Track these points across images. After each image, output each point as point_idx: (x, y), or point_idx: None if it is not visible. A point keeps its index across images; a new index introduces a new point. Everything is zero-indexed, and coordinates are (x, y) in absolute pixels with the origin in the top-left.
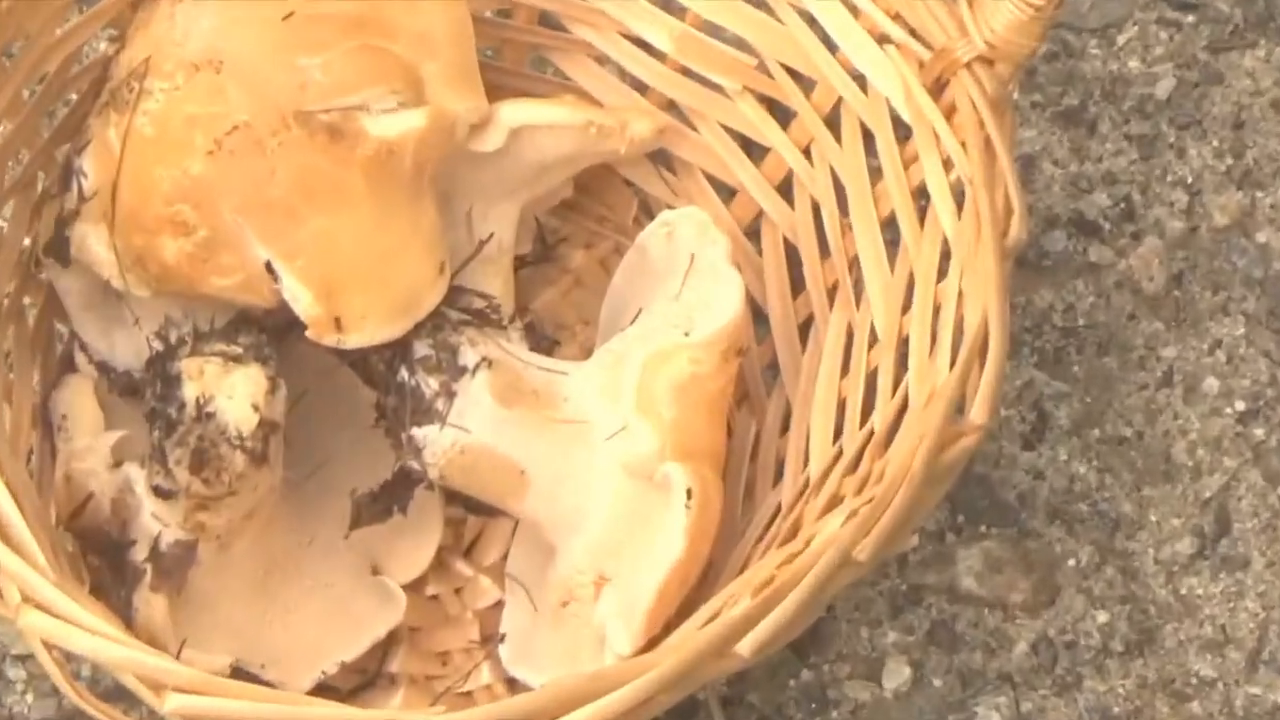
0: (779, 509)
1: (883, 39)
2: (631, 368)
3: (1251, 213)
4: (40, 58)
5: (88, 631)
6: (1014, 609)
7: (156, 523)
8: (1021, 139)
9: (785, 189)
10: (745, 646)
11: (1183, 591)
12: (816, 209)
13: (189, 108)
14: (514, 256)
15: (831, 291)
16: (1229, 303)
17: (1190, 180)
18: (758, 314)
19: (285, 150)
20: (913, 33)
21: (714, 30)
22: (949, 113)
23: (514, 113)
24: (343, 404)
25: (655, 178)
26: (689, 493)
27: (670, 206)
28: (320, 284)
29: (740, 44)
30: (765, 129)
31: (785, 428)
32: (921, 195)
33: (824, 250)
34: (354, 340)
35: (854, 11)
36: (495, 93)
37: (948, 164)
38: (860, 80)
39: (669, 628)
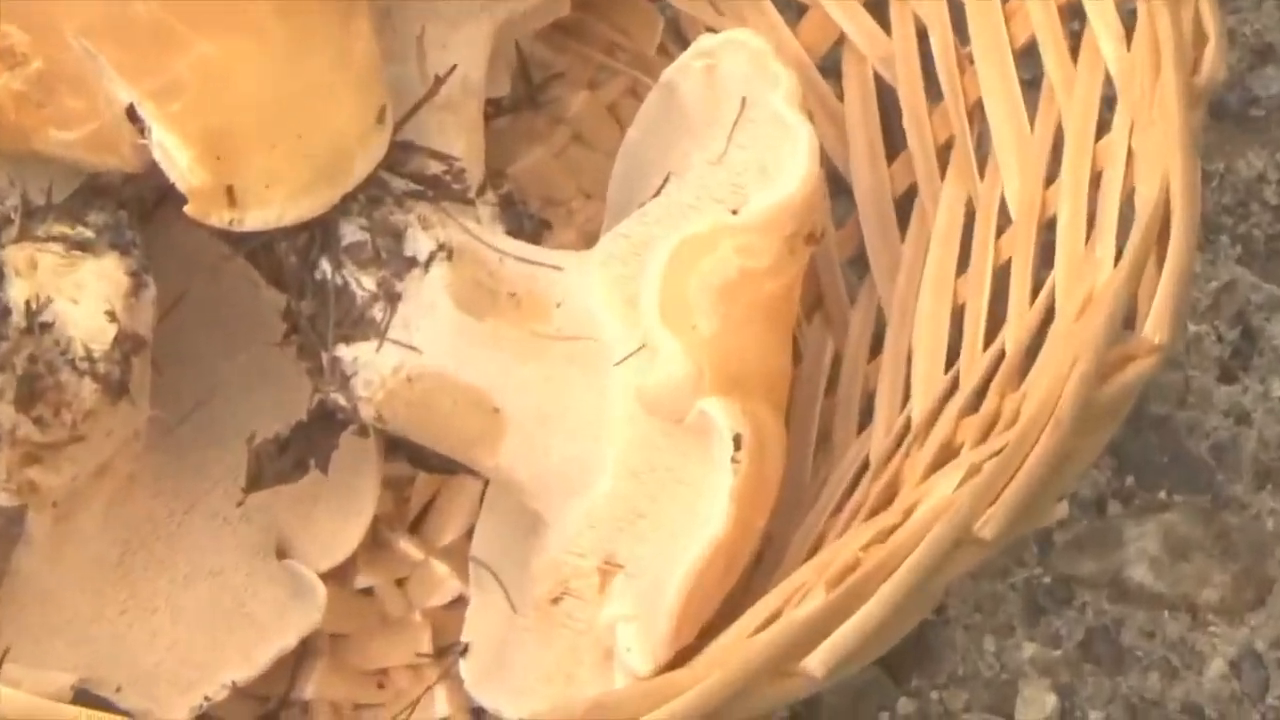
0: (866, 465)
1: None
2: (655, 261)
3: None
4: None
5: None
6: (1205, 612)
7: None
8: None
9: (878, 5)
10: (816, 662)
11: None
12: (922, 33)
13: None
14: (485, 101)
15: (943, 152)
16: None
17: None
18: (836, 184)
19: None
20: None
21: None
22: None
23: None
24: (237, 313)
25: None
26: (737, 440)
27: (712, 30)
28: (205, 138)
29: None
30: None
31: (876, 349)
32: (1074, 14)
33: (933, 93)
34: (254, 219)
35: None
36: None
37: None
38: None
39: (707, 635)
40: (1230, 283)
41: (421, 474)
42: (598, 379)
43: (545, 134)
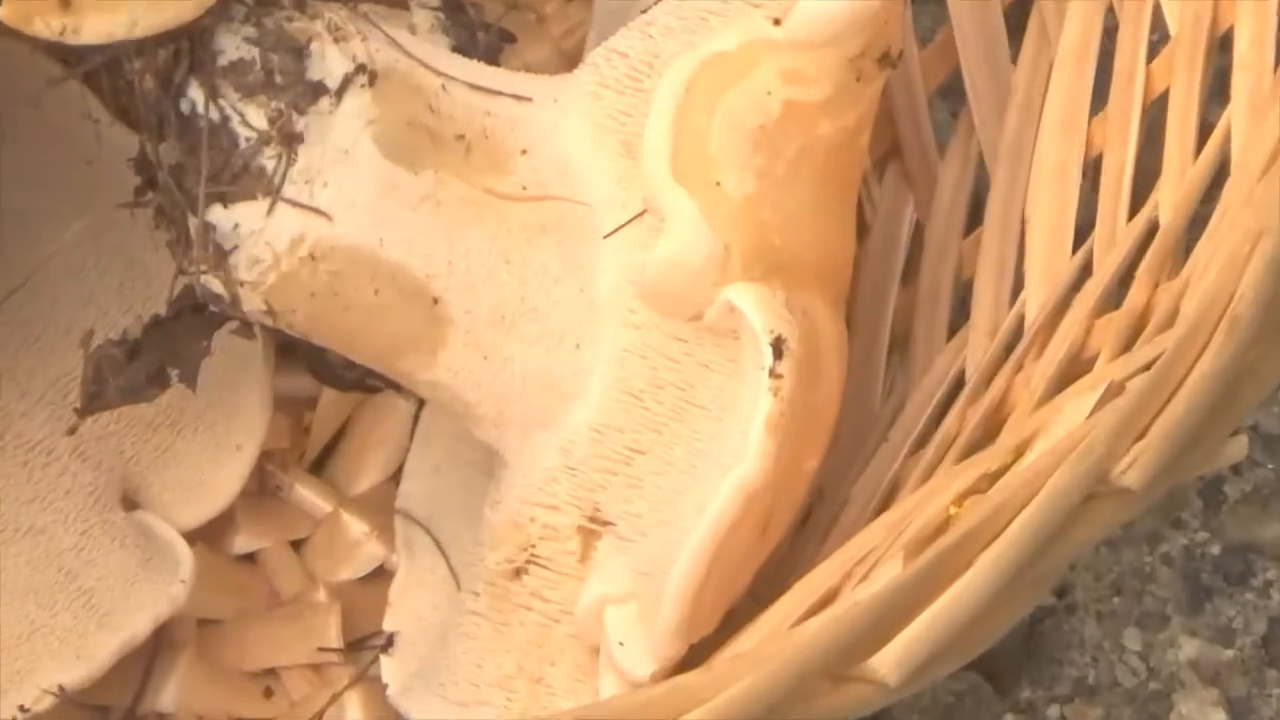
0: (960, 383)
1: None
2: (664, 91)
3: None
4: None
5: None
6: None
7: None
8: None
9: None
10: (888, 664)
11: None
12: None
13: None
14: None
15: None
16: None
17: None
18: None
19: None
20: None
21: None
22: None
23: None
24: (68, 161)
25: None
26: (777, 346)
27: None
28: None
29: None
30: None
31: (974, 218)
32: None
33: None
34: (95, 27)
35: None
36: None
37: None
38: None
39: (733, 623)
40: None
41: (328, 393)
42: (579, 258)
43: None
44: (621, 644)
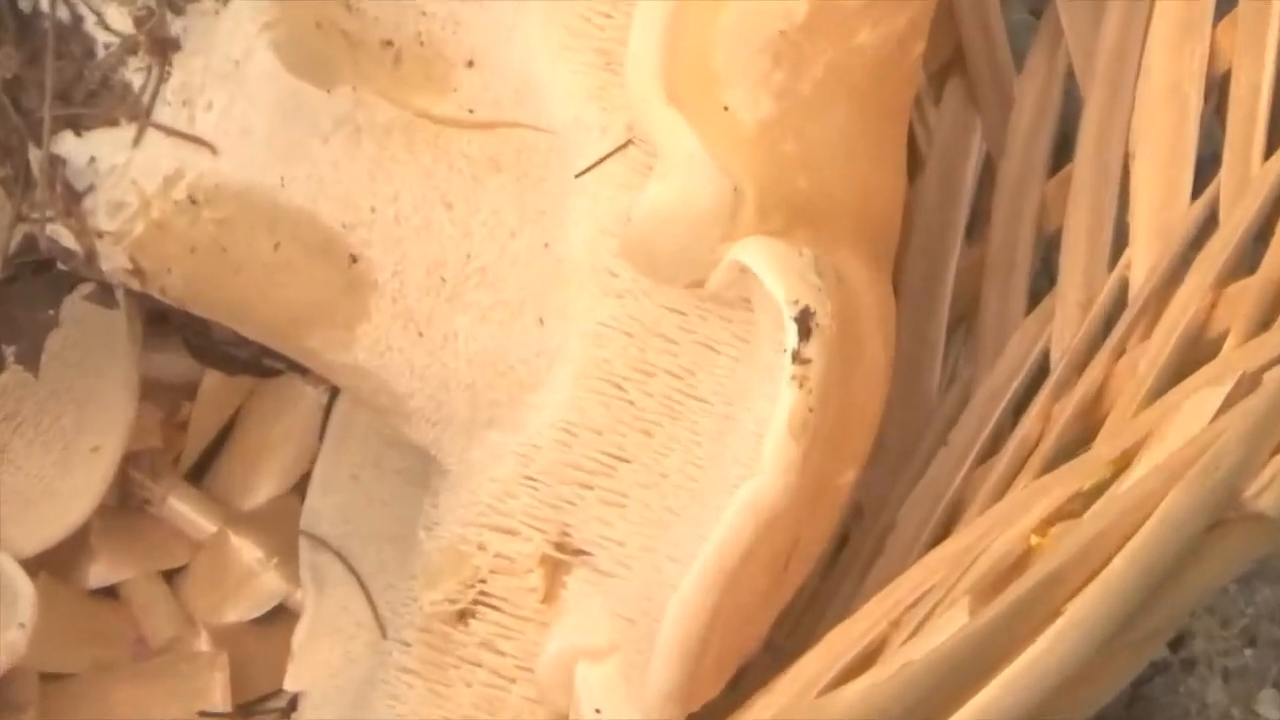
0: (1044, 368)
1: None
2: None
3: None
4: None
5: None
6: None
7: None
8: None
9: None
10: None
11: None
12: None
13: None
14: None
15: None
16: None
17: None
18: None
19: None
20: None
21: None
22: None
23: None
24: None
25: None
26: (803, 321)
27: None
28: None
29: None
30: None
31: (1062, 153)
32: None
33: None
34: None
35: None
36: None
37: None
38: None
39: (745, 682)
40: None
41: (213, 378)
42: (542, 204)
43: None
44: (599, 712)
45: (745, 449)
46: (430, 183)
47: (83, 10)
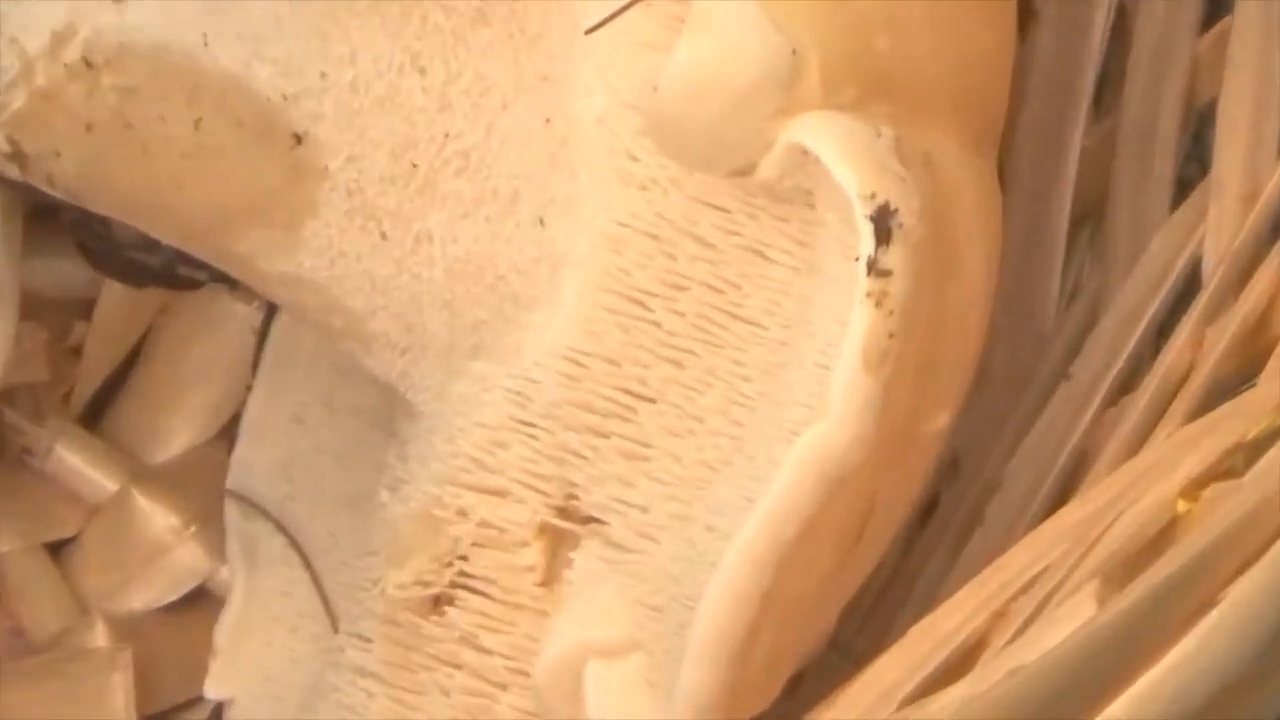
0: (1191, 280)
1: None
2: None
3: None
4: None
5: None
6: None
7: None
8: None
9: None
10: None
11: None
12: None
13: None
14: None
15: None
16: None
17: None
18: None
19: None
20: None
21: None
22: None
23: None
24: None
25: None
26: (883, 219)
27: None
28: None
29: None
30: None
31: (1218, 1)
32: None
33: None
34: None
35: None
36: None
37: None
38: None
39: (800, 691)
40: None
41: (113, 292)
42: (542, 66)
43: None
44: (612, 701)
45: (806, 385)
46: (398, 41)
47: None
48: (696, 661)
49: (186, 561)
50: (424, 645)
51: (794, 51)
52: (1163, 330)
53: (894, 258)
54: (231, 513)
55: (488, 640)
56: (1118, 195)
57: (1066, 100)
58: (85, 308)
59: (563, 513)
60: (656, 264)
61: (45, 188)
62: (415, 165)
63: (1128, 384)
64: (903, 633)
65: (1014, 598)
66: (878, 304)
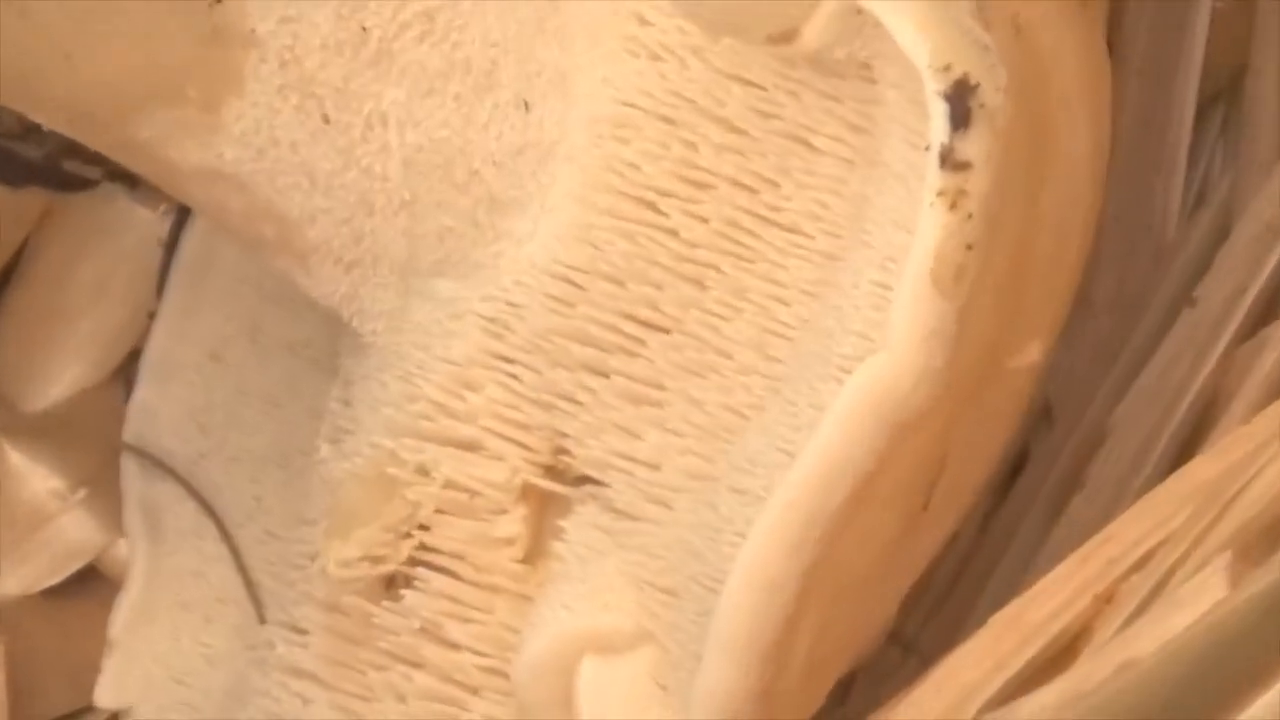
0: None
1: None
2: None
3: None
4: None
5: None
6: None
7: None
8: None
9: None
10: None
11: None
12: None
13: None
14: None
15: None
16: None
17: None
18: None
19: None
20: None
21: None
22: None
23: None
24: None
25: None
26: (959, 97)
27: None
28: None
29: None
30: None
31: None
32: None
33: None
34: None
35: None
36: None
37: None
38: None
39: (852, 691)
40: None
41: None
42: None
43: None
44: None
45: (861, 310)
46: None
47: None
48: (720, 658)
49: (72, 534)
50: (374, 638)
51: None
52: None
53: (974, 146)
54: (130, 473)
55: (455, 632)
56: (1260, 69)
57: None
58: None
59: (550, 471)
60: (672, 155)
61: None
62: (365, 29)
63: (1267, 312)
64: (981, 622)
65: (1124, 577)
66: (952, 206)
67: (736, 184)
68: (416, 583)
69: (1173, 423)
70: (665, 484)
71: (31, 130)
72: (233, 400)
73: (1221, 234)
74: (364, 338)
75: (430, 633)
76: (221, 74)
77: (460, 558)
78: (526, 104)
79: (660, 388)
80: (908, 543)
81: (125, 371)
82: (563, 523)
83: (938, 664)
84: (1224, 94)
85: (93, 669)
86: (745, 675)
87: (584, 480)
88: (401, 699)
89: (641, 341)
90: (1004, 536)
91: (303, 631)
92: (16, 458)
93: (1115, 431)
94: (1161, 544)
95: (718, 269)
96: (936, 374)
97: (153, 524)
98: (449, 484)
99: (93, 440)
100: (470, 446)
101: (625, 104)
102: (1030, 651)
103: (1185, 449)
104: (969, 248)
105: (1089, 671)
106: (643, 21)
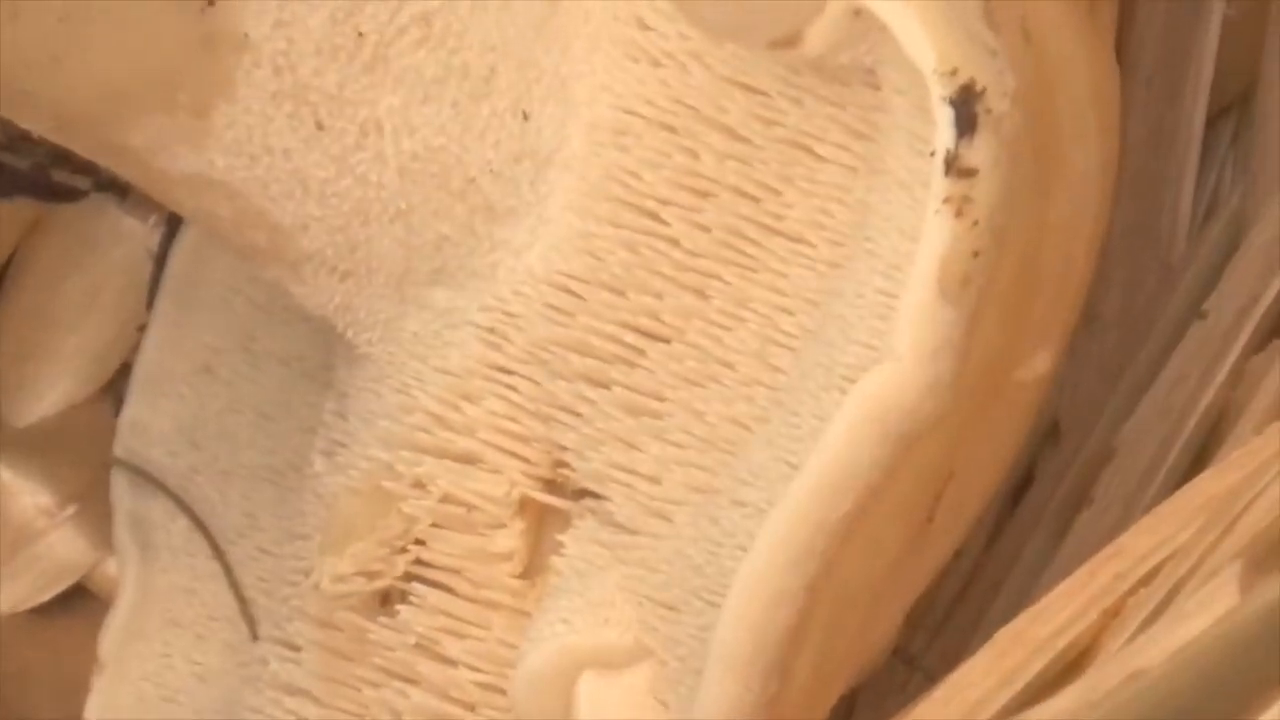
0: None
1: None
2: None
3: None
4: None
5: None
6: None
7: None
8: None
9: None
10: None
11: None
12: None
13: None
14: None
15: None
16: None
17: None
18: None
19: None
20: None
21: None
22: None
23: None
24: None
25: None
26: (966, 103)
27: None
28: None
29: None
30: None
31: None
32: None
33: None
34: None
35: None
36: None
37: None
38: None
39: (856, 710)
40: None
41: None
42: None
43: None
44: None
45: (865, 319)
46: None
47: None
48: (722, 673)
49: (61, 551)
50: (369, 654)
51: None
52: None
53: (980, 153)
54: (120, 488)
55: (451, 647)
56: (1271, 81)
57: None
58: None
59: (549, 485)
60: (673, 163)
61: None
62: (361, 33)
63: (1277, 325)
64: (987, 638)
65: (1131, 592)
66: (958, 213)
67: (739, 192)
68: (412, 598)
69: (1181, 438)
70: (666, 497)
71: (19, 140)
72: (225, 414)
73: (1231, 246)
74: (359, 348)
75: (426, 649)
76: (213, 79)
77: (457, 573)
78: (525, 113)
79: (661, 399)
80: (912, 557)
81: (115, 386)
82: (561, 537)
83: (943, 680)
84: (1234, 105)
85: (83, 688)
86: (747, 690)
87: (583, 494)
88: (397, 716)
89: (642, 352)
90: (1010, 552)
91: (296, 648)
92: (5, 474)
93: (1123, 447)
94: (1169, 558)
95: (720, 278)
96: (943, 383)
97: (143, 540)
98: (446, 498)
99: (82, 456)
100: (468, 459)
101: (625, 111)
102: (1036, 667)
103: (1195, 465)
104: (975, 255)
105: (1097, 681)
106: (643, 26)
